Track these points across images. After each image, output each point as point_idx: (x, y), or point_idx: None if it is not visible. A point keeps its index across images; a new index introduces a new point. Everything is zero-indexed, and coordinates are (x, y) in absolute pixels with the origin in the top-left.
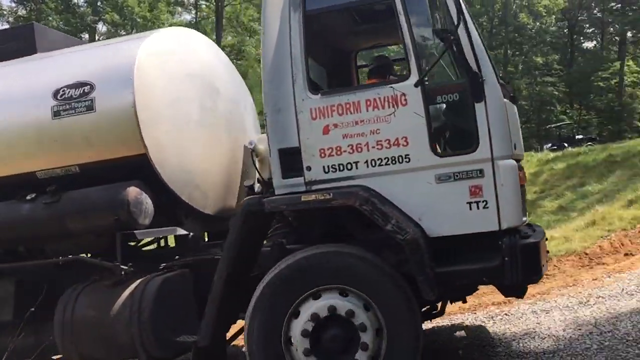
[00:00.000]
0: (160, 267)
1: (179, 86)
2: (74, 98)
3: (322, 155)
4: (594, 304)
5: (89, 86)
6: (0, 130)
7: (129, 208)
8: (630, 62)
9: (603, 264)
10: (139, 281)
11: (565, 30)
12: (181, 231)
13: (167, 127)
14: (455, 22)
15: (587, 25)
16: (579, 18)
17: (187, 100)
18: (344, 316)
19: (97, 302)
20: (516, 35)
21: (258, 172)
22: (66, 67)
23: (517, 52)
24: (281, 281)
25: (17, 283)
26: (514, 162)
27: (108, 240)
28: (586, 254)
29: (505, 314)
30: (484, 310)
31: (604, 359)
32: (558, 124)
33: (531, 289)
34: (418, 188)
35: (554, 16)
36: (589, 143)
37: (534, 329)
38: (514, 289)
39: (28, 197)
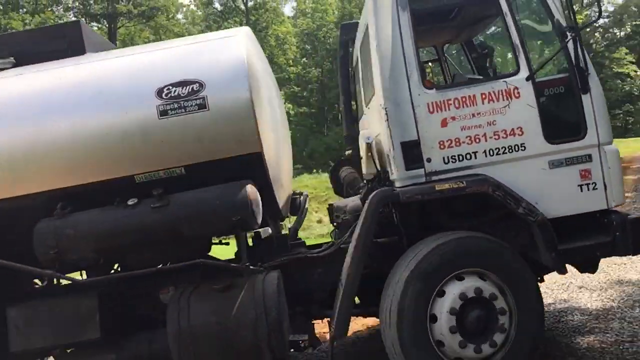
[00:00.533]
0: (253, 268)
1: (266, 85)
2: (182, 97)
3: (442, 147)
4: None
5: (197, 84)
6: (98, 134)
7: (251, 208)
8: None
9: None
10: (250, 281)
11: None
12: (269, 230)
13: (269, 126)
14: (579, 22)
15: None
16: None
17: (271, 99)
18: (487, 298)
19: (214, 307)
20: None
21: (376, 166)
22: (161, 66)
23: None
24: (430, 263)
25: (99, 297)
26: (616, 147)
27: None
28: None
29: None
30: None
31: None
32: None
33: None
34: (533, 174)
35: None
36: None
37: None
38: (590, 266)
39: (130, 202)
